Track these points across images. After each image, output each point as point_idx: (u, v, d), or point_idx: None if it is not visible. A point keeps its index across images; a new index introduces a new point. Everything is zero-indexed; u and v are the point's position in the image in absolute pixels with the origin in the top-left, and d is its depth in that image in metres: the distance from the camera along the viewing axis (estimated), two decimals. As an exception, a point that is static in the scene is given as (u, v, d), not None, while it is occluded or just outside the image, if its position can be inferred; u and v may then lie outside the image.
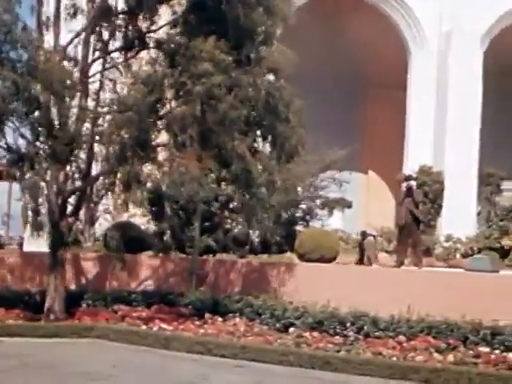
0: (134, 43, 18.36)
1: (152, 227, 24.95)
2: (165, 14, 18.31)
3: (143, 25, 18.28)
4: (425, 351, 14.93)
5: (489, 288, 17.86)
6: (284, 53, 17.76)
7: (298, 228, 26.39)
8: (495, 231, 27.85)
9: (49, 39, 18.11)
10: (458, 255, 27.56)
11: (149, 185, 18.89)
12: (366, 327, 16.44)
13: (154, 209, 24.19)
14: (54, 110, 17.07)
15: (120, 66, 18.64)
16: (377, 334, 16.23)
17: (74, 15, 18.18)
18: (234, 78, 16.59)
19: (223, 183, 21.71)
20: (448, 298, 17.52)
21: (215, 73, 15.96)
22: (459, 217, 32.64)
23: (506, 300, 17.06)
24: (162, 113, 17.17)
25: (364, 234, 25.36)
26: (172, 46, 17.38)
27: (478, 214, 34.63)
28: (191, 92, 16.14)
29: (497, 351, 14.85)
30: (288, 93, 17.85)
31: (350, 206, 31.99)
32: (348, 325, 16.62)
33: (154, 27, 18.32)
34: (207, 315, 18.05)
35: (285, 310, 17.64)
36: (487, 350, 14.90)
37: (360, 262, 22.43)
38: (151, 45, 18.27)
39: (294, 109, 18.02)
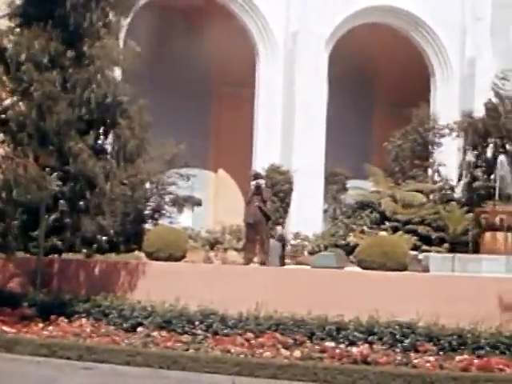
0: None
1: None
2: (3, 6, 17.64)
3: None
4: (272, 347, 15.16)
5: (334, 284, 18.29)
6: (128, 46, 17.52)
7: (147, 226, 26.15)
8: (341, 229, 28.59)
9: None
10: (305, 252, 28.10)
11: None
12: (214, 325, 16.49)
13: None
14: None
15: None
16: (225, 331, 16.32)
17: None
18: (70, 74, 16.21)
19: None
20: (295, 294, 17.79)
21: (50, 70, 15.54)
22: (307, 215, 33.30)
23: (350, 296, 17.51)
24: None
25: None
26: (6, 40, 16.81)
27: (325, 211, 35.47)
28: (27, 91, 15.67)
29: (342, 345, 15.30)
30: (130, 91, 17.62)
31: (199, 203, 32.04)
32: (197, 323, 16.60)
33: None
34: (52, 317, 17.51)
35: (133, 309, 17.39)
36: (333, 344, 15.33)
37: None
38: None
39: (136, 107, 17.80)
